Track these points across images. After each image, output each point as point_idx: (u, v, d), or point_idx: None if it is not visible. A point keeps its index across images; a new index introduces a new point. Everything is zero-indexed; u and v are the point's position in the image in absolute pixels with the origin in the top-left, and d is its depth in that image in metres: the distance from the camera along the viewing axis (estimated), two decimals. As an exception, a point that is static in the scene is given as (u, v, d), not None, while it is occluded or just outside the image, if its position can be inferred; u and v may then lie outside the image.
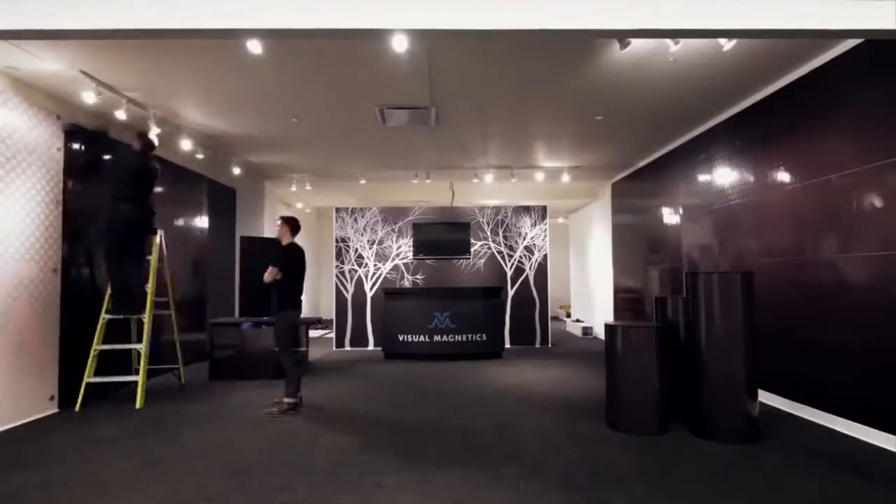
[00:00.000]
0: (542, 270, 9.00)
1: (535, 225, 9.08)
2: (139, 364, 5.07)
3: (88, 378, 4.79)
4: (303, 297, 5.07)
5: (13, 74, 4.35)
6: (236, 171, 7.63)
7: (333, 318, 8.85)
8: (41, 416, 4.51)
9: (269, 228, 9.25)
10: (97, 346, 4.90)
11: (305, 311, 11.92)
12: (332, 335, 9.28)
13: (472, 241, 8.98)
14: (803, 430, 4.00)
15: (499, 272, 8.98)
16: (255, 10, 2.63)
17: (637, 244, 8.08)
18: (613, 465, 3.32)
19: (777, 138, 4.70)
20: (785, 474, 3.14)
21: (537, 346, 8.80)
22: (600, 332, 10.74)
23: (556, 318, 12.31)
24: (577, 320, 11.72)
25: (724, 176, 5.57)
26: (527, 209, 9.15)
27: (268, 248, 5.98)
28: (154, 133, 5.34)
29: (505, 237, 9.04)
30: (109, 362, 5.06)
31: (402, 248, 8.97)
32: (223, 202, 8.08)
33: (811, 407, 4.27)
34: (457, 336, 7.54)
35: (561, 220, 13.74)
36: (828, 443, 3.71)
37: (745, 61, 4.26)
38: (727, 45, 3.78)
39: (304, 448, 3.68)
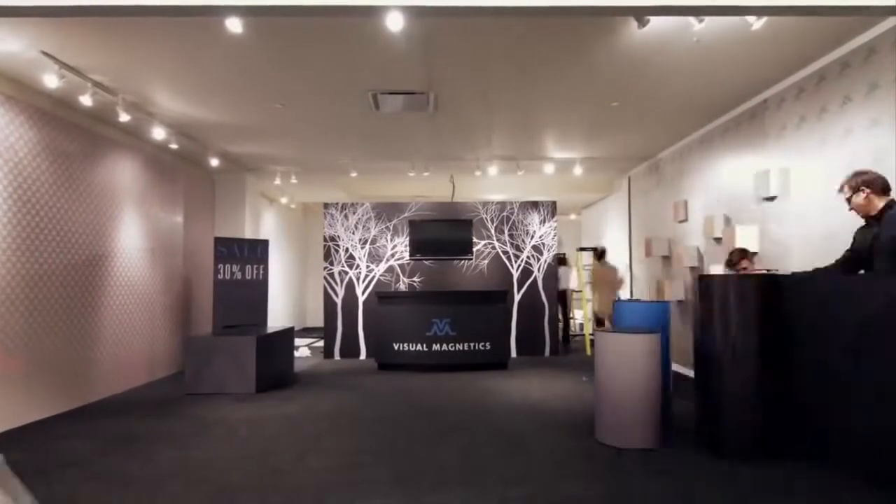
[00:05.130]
0: (551, 272, 9.00)
1: (544, 222, 9.08)
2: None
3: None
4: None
5: (-33, 56, 4.35)
6: (214, 162, 7.63)
7: (322, 325, 8.86)
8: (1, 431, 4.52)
9: (250, 226, 9.25)
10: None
11: (290, 319, 11.95)
12: (321, 344, 9.29)
13: (475, 239, 8.98)
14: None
15: (504, 274, 8.98)
16: (236, -15, 2.63)
17: (658, 243, 8.07)
18: (631, 487, 3.32)
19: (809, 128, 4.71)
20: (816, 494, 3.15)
21: (546, 355, 8.80)
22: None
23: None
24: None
25: (755, 169, 5.57)
26: (535, 205, 9.15)
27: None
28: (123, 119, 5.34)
29: (511, 236, 9.05)
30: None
31: (398, 248, 8.97)
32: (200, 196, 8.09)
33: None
34: (457, 345, 7.53)
35: (573, 216, 13.75)
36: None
37: (778, 42, 4.26)
38: (756, 23, 3.78)
39: (290, 468, 3.67)
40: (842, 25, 4.03)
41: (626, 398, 4.02)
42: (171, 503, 3.12)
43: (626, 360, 4.04)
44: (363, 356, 8.69)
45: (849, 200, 3.46)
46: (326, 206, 9.06)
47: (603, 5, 2.67)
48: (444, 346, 7.54)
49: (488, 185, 9.92)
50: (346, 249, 8.92)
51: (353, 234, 8.95)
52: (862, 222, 3.54)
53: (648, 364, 4.02)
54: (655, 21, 3.87)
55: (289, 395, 6.02)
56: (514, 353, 8.61)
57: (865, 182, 3.38)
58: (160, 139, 6.34)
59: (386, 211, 9.04)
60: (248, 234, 9.01)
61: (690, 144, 7.10)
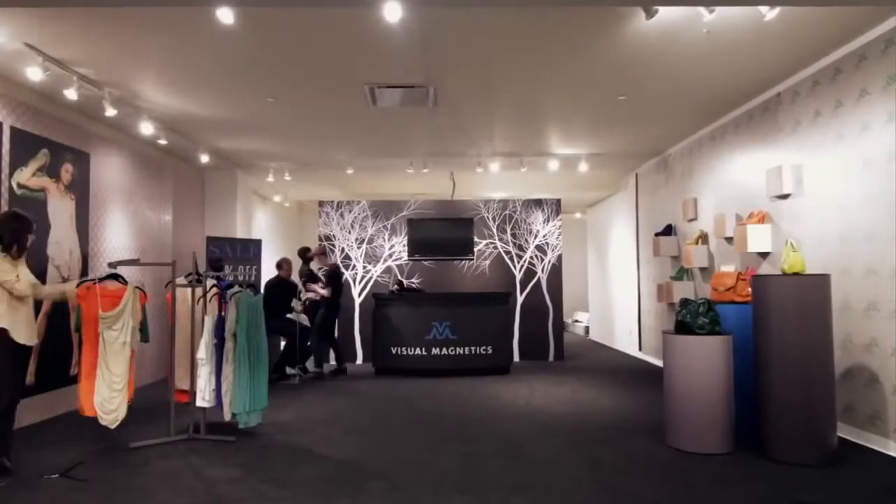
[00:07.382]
0: (555, 273, 9.00)
1: (548, 221, 9.08)
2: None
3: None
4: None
5: (-53, 48, 4.35)
6: (204, 158, 7.63)
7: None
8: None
9: (242, 225, 9.24)
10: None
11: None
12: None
13: (476, 239, 8.98)
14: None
15: (506, 275, 8.98)
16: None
17: (666, 242, 8.07)
18: (638, 496, 3.32)
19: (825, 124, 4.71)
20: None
21: (550, 360, 8.80)
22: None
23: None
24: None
25: (768, 165, 5.57)
26: (538, 203, 9.15)
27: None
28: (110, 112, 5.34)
29: (513, 235, 9.05)
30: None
31: (396, 248, 8.97)
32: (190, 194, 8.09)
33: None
34: (458, 349, 7.54)
35: (578, 215, 13.74)
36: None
37: (792, 33, 4.26)
38: (769, 13, 3.77)
39: (283, 477, 3.67)
40: (858, 16, 4.03)
41: (696, 401, 4.09)
42: (159, 513, 3.12)
43: (697, 363, 4.13)
44: (359, 360, 8.70)
45: None
46: (321, 204, 9.07)
47: (609, -5, 2.67)
48: (444, 351, 7.54)
49: (490, 182, 9.92)
50: (342, 249, 8.92)
51: (350, 233, 8.96)
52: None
53: (719, 366, 4.09)
54: (664, 11, 3.86)
55: (282, 401, 6.01)
56: (517, 358, 8.62)
57: None
58: (148, 134, 6.33)
59: (383, 209, 9.04)
60: (240, 234, 9.01)
61: (700, 140, 7.10)
